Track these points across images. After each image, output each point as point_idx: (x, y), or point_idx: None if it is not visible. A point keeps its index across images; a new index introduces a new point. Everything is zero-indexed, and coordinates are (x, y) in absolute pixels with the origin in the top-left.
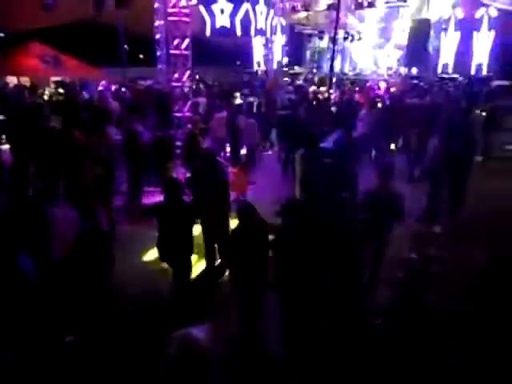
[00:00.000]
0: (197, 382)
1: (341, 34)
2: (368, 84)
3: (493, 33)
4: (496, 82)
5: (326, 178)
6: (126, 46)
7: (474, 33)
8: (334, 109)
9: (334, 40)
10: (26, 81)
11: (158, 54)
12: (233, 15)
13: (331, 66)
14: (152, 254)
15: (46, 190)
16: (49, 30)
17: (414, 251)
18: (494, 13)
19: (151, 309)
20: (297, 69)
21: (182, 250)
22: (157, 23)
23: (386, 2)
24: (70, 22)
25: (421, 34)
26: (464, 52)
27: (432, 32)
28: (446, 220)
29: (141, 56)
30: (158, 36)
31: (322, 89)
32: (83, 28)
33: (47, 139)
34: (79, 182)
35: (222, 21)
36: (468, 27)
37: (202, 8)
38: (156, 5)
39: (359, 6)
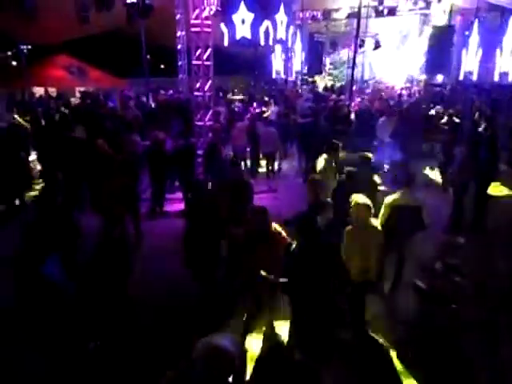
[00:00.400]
0: None
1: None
2: (383, 92)
3: None
4: None
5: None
6: (147, 57)
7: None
8: (353, 116)
9: (355, 49)
10: (52, 91)
11: (180, 63)
12: (254, 25)
13: (352, 74)
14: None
15: (72, 198)
16: (75, 41)
17: (438, 261)
18: None
19: (175, 316)
20: (317, 77)
21: (208, 255)
22: (178, 33)
23: (410, 10)
24: (96, 34)
25: (443, 40)
26: (487, 59)
27: (454, 38)
28: (471, 230)
29: (162, 66)
30: (179, 46)
31: (342, 97)
32: (108, 39)
33: (73, 148)
34: (104, 190)
35: (243, 31)
36: (491, 33)
37: (222, 24)
38: (178, 16)
39: (380, 14)
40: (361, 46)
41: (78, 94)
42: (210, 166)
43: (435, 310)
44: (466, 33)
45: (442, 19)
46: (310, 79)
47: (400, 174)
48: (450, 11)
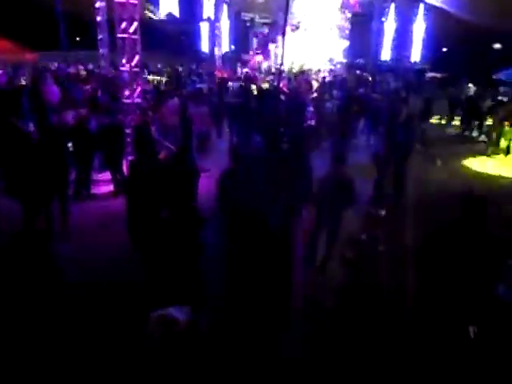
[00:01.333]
0: (176, 360)
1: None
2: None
3: (424, 26)
4: (430, 74)
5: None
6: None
7: (411, 25)
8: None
9: (283, 30)
10: None
11: (100, 37)
12: (180, 1)
13: (282, 57)
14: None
15: None
16: None
17: (363, 232)
18: (424, 9)
19: (124, 295)
20: (245, 56)
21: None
22: (98, 4)
23: None
24: None
25: (362, 26)
26: (401, 44)
27: (373, 24)
28: (391, 204)
29: (77, 38)
30: (99, 18)
31: (271, 77)
32: (9, 4)
33: None
34: (20, 174)
35: (169, 5)
36: (404, 20)
37: None
38: None
39: None
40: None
41: None
42: (139, 145)
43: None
44: (383, 19)
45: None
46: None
47: (332, 152)
48: None
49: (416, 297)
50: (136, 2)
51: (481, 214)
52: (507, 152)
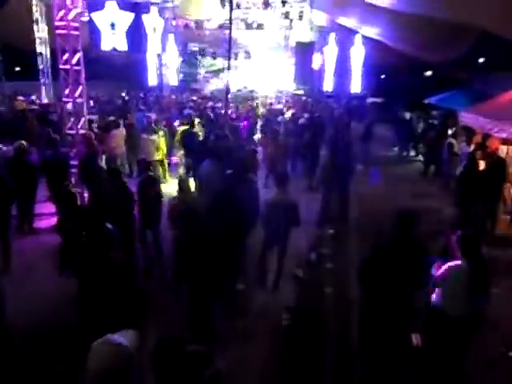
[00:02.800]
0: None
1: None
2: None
3: (363, 56)
4: (371, 99)
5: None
6: None
7: (350, 54)
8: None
9: (228, 58)
10: None
11: (41, 67)
12: (123, 30)
13: (227, 84)
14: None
15: None
16: None
17: (312, 251)
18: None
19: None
20: (193, 85)
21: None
22: (38, 35)
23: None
24: None
25: (305, 55)
26: (342, 72)
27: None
28: (338, 222)
29: (17, 69)
30: (39, 48)
31: (219, 104)
32: None
33: None
34: None
35: (112, 35)
36: (343, 49)
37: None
38: (36, 15)
39: (249, 27)
40: (235, 58)
41: None
42: (85, 176)
43: (311, 294)
44: (324, 49)
45: (303, 36)
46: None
47: (275, 176)
48: (311, 28)
49: (361, 308)
50: (78, 33)
51: (410, 226)
52: None
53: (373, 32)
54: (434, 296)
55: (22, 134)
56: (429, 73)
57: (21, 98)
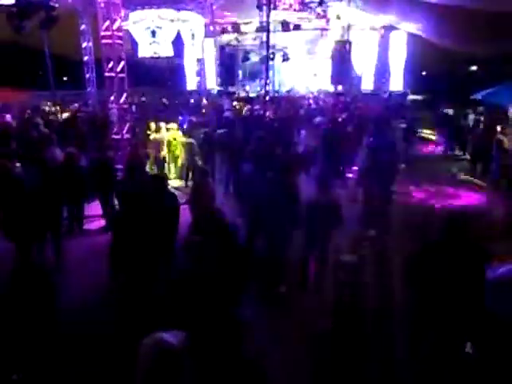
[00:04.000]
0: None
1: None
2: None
3: (404, 52)
4: (411, 97)
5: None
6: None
7: (389, 52)
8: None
9: (266, 60)
10: None
11: (87, 76)
12: (164, 37)
13: (265, 85)
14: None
15: None
16: None
17: (353, 253)
18: (402, 36)
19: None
20: (230, 88)
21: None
22: (84, 44)
23: (309, 26)
24: None
25: (343, 54)
26: (381, 69)
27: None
28: (379, 224)
29: (64, 78)
30: (86, 58)
31: (257, 107)
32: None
33: None
34: (12, 215)
35: (154, 42)
36: (383, 47)
37: (132, 32)
38: (83, 26)
39: (286, 28)
40: (272, 58)
41: None
42: (131, 180)
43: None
44: (362, 47)
45: (341, 35)
46: (227, 90)
47: (319, 176)
48: (348, 27)
49: (410, 315)
50: (121, 42)
51: (463, 229)
52: None
53: (413, 27)
54: (491, 300)
55: (72, 140)
56: (474, 67)
57: (76, 105)
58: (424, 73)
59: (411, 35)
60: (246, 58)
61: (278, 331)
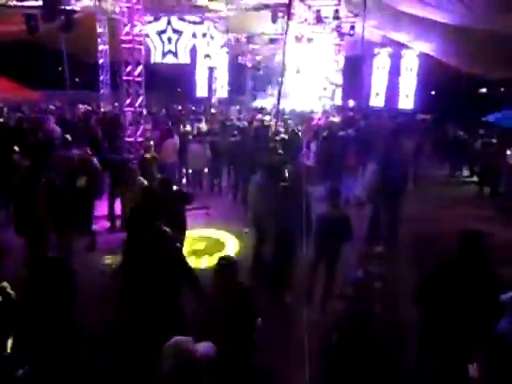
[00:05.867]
0: None
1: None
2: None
3: (415, 71)
4: (420, 116)
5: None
6: (60, 69)
7: (400, 70)
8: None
9: (282, 72)
10: None
11: (101, 78)
12: (179, 44)
13: (278, 97)
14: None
15: None
16: None
17: (360, 269)
18: (414, 55)
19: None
20: (241, 98)
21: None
22: (100, 48)
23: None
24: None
25: (355, 70)
26: (392, 87)
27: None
28: (387, 241)
29: (77, 79)
30: (101, 60)
31: (267, 117)
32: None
33: None
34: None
35: (169, 49)
36: (394, 65)
37: (148, 38)
38: (100, 29)
39: (299, 41)
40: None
41: None
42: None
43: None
44: (374, 64)
45: (354, 51)
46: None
47: (328, 190)
48: (362, 44)
49: (416, 333)
50: (141, 46)
51: (477, 249)
52: None
53: (425, 47)
54: (501, 323)
55: (85, 140)
56: (483, 90)
57: (81, 106)
58: (433, 92)
59: (422, 54)
60: (257, 69)
61: (278, 343)
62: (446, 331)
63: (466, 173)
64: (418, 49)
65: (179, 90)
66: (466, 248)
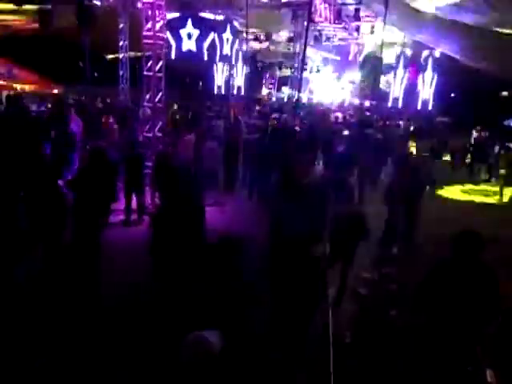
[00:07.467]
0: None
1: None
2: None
3: (435, 73)
4: (439, 118)
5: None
6: (80, 63)
7: (421, 70)
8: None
9: (301, 70)
10: None
11: (121, 73)
12: (199, 40)
13: (298, 94)
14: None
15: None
16: (5, 41)
17: (375, 270)
18: (437, 54)
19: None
20: (258, 95)
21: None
22: (121, 43)
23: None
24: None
25: (372, 69)
26: (411, 89)
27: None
28: (402, 243)
29: (95, 74)
30: (121, 56)
31: (285, 115)
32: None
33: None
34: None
35: (189, 45)
36: (415, 67)
37: (168, 33)
38: (121, 25)
39: (317, 41)
40: (305, 69)
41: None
42: (160, 177)
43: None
44: (394, 64)
45: (373, 51)
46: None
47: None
48: (382, 44)
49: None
50: (162, 42)
51: (475, 249)
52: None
53: (447, 49)
54: None
55: (101, 134)
56: (505, 93)
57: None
58: (453, 94)
59: (443, 55)
60: (277, 67)
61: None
62: (445, 332)
63: (483, 176)
64: (438, 49)
65: (200, 86)
66: (460, 248)
